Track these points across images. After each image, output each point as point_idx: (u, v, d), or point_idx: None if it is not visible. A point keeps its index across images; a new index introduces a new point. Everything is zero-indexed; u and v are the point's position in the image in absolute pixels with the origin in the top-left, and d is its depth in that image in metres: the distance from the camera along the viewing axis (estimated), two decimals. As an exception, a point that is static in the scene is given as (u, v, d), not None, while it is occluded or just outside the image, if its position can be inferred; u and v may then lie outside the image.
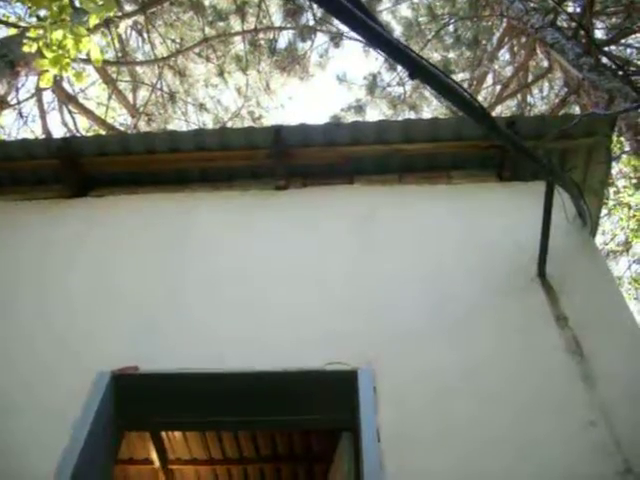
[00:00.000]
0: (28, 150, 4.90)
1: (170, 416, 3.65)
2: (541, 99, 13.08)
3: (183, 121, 13.38)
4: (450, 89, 2.81)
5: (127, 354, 3.47)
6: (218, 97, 13.83)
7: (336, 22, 12.06)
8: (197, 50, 12.80)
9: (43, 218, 4.62)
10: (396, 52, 2.57)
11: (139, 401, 3.45)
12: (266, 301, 3.80)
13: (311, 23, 12.47)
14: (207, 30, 12.39)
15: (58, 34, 4.66)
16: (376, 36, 2.44)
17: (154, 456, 6.12)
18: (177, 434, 5.99)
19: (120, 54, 12.48)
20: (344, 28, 11.95)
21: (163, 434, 5.98)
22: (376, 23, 2.47)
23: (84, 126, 12.74)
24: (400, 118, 12.03)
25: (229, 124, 13.11)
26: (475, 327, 3.53)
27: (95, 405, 3.18)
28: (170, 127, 12.71)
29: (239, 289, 3.90)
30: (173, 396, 3.47)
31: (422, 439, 3.00)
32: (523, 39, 11.93)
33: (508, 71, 12.97)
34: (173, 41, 12.80)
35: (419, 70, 2.59)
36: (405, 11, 13.19)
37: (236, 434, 6.01)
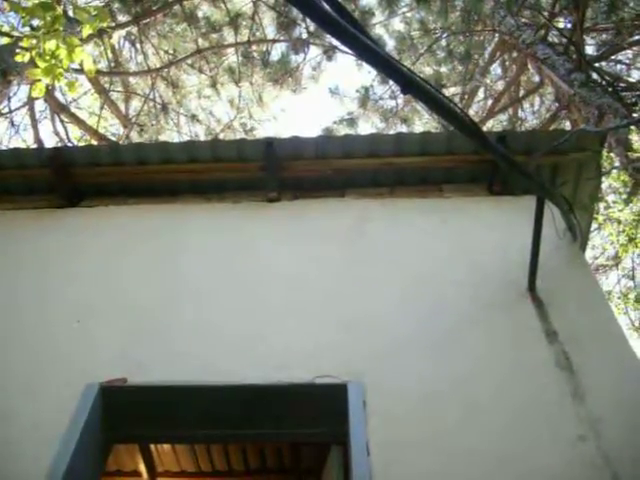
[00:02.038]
0: (19, 159, 4.89)
1: (158, 429, 3.62)
2: (532, 114, 13.16)
3: (175, 132, 13.38)
4: (442, 105, 2.82)
5: (116, 366, 3.45)
6: (210, 108, 13.84)
7: (329, 35, 12.12)
8: (190, 61, 12.81)
9: (34, 228, 4.60)
10: (388, 68, 2.58)
11: (127, 413, 3.43)
12: (256, 314, 3.80)
13: (304, 36, 12.51)
14: (200, 42, 12.41)
15: (51, 44, 4.67)
16: (369, 52, 2.45)
17: (142, 468, 6.07)
18: (166, 447, 5.95)
19: (113, 64, 12.48)
20: (337, 42, 12.02)
21: (152, 446, 5.93)
22: (369, 39, 2.48)
23: (76, 136, 12.71)
24: (392, 131, 12.07)
25: (221, 136, 13.10)
26: (465, 341, 3.54)
27: (83, 417, 3.16)
28: (162, 138, 12.69)
29: (229, 302, 3.89)
30: (162, 409, 3.44)
31: (412, 453, 2.99)
32: (514, 54, 12.01)
33: (499, 85, 13.04)
34: (166, 52, 12.81)
35: (411, 85, 2.60)
36: (398, 25, 13.26)
37: (225, 447, 5.98)
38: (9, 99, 10.53)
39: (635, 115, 6.83)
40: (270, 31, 12.70)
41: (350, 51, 2.46)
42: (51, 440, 3.06)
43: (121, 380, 3.37)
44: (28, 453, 3.05)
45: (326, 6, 2.37)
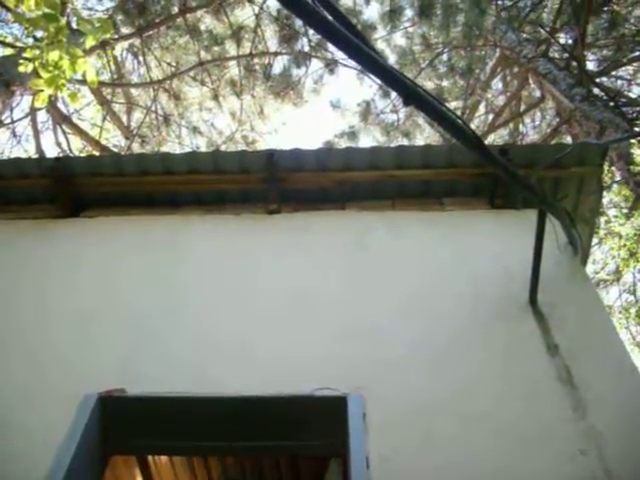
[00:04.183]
0: (20, 169, 4.88)
1: (157, 440, 3.59)
2: (533, 129, 13.20)
3: (177, 144, 13.41)
4: (444, 116, 2.82)
5: (115, 376, 3.43)
6: (212, 121, 13.89)
7: (331, 49, 12.21)
8: (192, 74, 12.87)
9: (34, 237, 4.59)
10: (391, 79, 2.59)
11: (126, 424, 3.41)
12: (256, 326, 3.78)
13: (306, 49, 12.58)
14: (202, 54, 12.47)
15: (54, 55, 4.68)
16: (372, 62, 2.46)
17: (140, 481, 6.03)
18: (164, 459, 5.91)
19: (115, 76, 12.54)
20: (339, 55, 12.09)
21: (150, 459, 5.89)
22: (372, 50, 2.49)
23: (77, 147, 12.74)
24: (393, 145, 12.07)
25: (223, 148, 13.14)
26: (466, 354, 3.52)
27: (80, 428, 3.13)
28: (164, 150, 12.72)
29: (228, 313, 3.88)
30: (160, 420, 3.42)
31: (411, 465, 2.97)
32: (516, 69, 12.06)
33: (501, 100, 13.09)
34: (168, 64, 12.86)
35: (413, 96, 2.60)
36: (399, 40, 13.33)
37: (223, 460, 5.94)
38: (12, 110, 10.58)
39: (637, 129, 6.85)
40: (272, 44, 12.79)
41: (354, 62, 2.47)
42: (48, 450, 3.03)
43: (119, 390, 3.34)
44: (25, 463, 3.02)
45: (330, 18, 2.39)
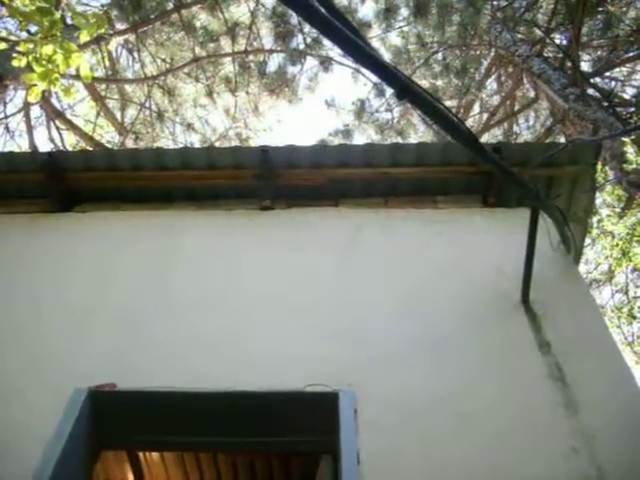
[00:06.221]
0: (13, 163, 4.86)
1: (148, 435, 3.59)
2: (527, 128, 13.20)
3: (170, 141, 13.34)
4: (437, 111, 2.82)
5: (106, 371, 3.42)
6: (206, 117, 13.82)
7: (326, 47, 12.18)
8: (187, 70, 12.81)
9: (27, 232, 4.57)
10: (385, 73, 2.59)
11: (116, 419, 3.40)
12: (248, 322, 3.78)
13: (301, 47, 12.55)
14: (197, 50, 12.42)
15: (48, 49, 4.65)
16: (365, 56, 2.46)
17: (130, 478, 6.01)
18: (155, 456, 5.89)
19: (110, 72, 12.49)
20: (334, 53, 12.08)
21: (141, 455, 5.88)
22: (367, 45, 2.49)
23: (71, 142, 12.67)
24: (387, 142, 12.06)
25: (217, 145, 13.10)
26: (457, 352, 3.52)
27: (70, 423, 3.12)
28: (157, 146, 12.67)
29: (221, 309, 3.87)
30: (151, 415, 3.41)
31: (402, 462, 2.97)
32: (510, 69, 12.07)
33: (495, 100, 13.09)
34: (163, 60, 12.81)
35: (407, 91, 2.60)
36: (394, 39, 13.32)
37: (215, 457, 5.93)
38: (5, 104, 10.52)
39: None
40: (267, 41, 12.76)
41: (349, 56, 2.48)
42: (38, 444, 3.02)
43: (110, 385, 3.34)
44: (14, 456, 3.01)
45: (325, 12, 2.39)
